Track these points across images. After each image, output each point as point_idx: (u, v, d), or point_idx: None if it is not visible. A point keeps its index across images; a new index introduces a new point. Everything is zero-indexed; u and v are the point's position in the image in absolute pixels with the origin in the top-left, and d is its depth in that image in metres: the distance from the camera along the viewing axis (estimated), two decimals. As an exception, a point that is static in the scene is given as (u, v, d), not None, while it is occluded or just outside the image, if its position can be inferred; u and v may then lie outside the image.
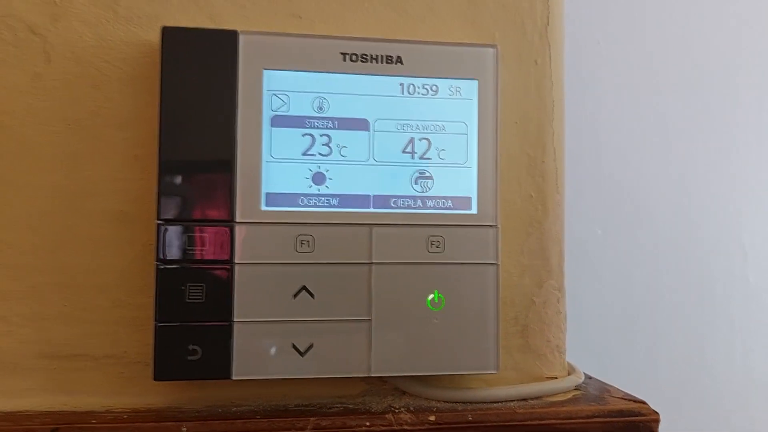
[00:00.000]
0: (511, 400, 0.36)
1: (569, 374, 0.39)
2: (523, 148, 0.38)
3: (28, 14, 0.34)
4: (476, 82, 0.35)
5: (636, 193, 0.78)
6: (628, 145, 0.78)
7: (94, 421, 0.32)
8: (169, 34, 0.33)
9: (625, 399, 0.37)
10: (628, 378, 0.76)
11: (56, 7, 0.34)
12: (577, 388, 0.39)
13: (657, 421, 0.36)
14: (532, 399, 0.37)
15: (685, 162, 0.79)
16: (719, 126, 0.80)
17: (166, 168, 0.32)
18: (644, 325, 0.78)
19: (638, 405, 0.36)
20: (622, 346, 0.77)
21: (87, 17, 0.35)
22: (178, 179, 0.32)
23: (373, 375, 0.34)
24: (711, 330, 0.80)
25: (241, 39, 0.33)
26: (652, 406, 0.36)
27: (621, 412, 0.36)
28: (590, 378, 0.42)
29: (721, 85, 0.80)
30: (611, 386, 0.40)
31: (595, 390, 0.39)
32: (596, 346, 0.76)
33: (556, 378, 0.38)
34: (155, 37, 0.34)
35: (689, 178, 0.80)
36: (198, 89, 0.33)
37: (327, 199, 0.34)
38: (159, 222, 0.32)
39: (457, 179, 0.35)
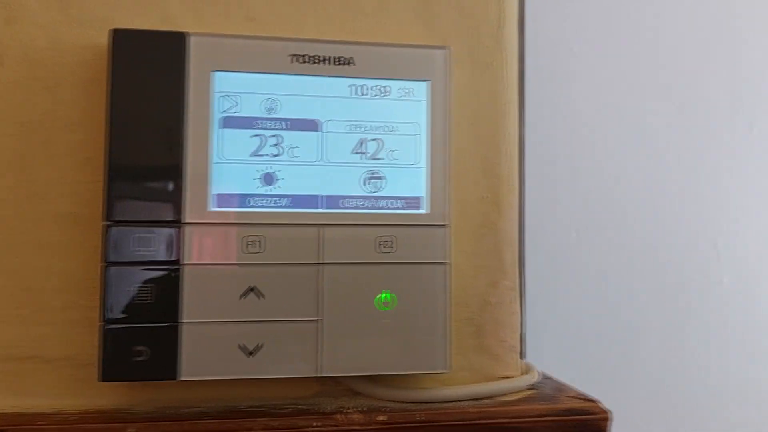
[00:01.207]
0: (464, 400, 0.36)
1: (525, 374, 0.39)
2: (477, 150, 0.38)
3: (-20, 17, 0.34)
4: (427, 83, 0.36)
5: (610, 197, 0.79)
6: (602, 149, 0.79)
7: (41, 423, 0.32)
8: (118, 35, 0.33)
9: (576, 398, 0.37)
10: (604, 380, 0.77)
11: (9, 11, 0.35)
12: (532, 388, 0.39)
13: (606, 419, 0.36)
14: (485, 398, 0.37)
15: (659, 165, 0.80)
16: (693, 129, 0.81)
17: (113, 169, 0.32)
18: (619, 327, 0.78)
19: (589, 404, 0.36)
20: (597, 348, 0.78)
21: (40, 20, 0.35)
22: (126, 181, 0.32)
23: (322, 375, 0.34)
24: (686, 332, 0.80)
25: (191, 41, 0.33)
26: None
27: (571, 411, 0.36)
28: (548, 378, 0.42)
29: (694, 88, 0.81)
30: (566, 386, 0.40)
31: (549, 389, 0.39)
32: (572, 349, 0.77)
33: (510, 378, 0.38)
34: (106, 38, 0.34)
35: (663, 181, 0.80)
36: (147, 91, 0.33)
37: (277, 200, 0.34)
38: (105, 223, 0.32)
39: (408, 179, 0.35)
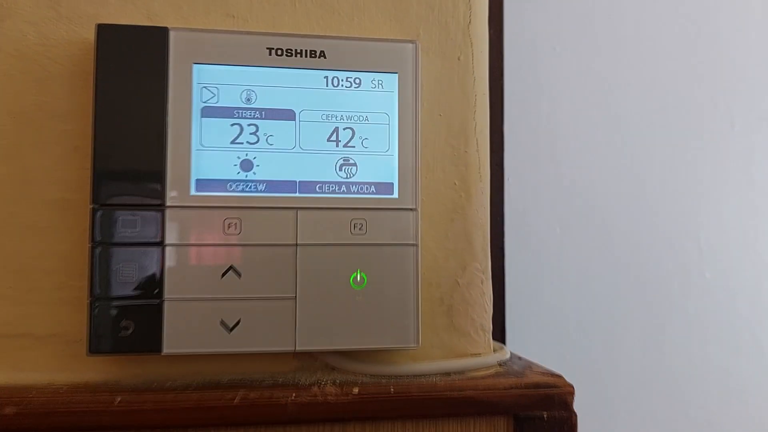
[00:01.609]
0: (434, 374, 0.38)
1: (495, 352, 0.41)
2: (447, 140, 0.40)
3: (-25, 14, 0.36)
4: (396, 75, 0.38)
5: (593, 192, 0.81)
6: (585, 146, 0.81)
7: (33, 394, 0.34)
8: (102, 30, 0.35)
9: (543, 374, 0.39)
10: (587, 372, 0.79)
11: (1, 9, 0.37)
12: (501, 365, 0.41)
13: (571, 393, 0.38)
14: (454, 373, 0.39)
15: (641, 161, 0.82)
16: (675, 127, 0.83)
17: (99, 156, 0.34)
18: (603, 319, 0.80)
19: (554, 379, 0.38)
20: (582, 339, 0.79)
21: (31, 17, 0.37)
22: (112, 166, 0.34)
23: (298, 350, 0.36)
24: (669, 324, 0.82)
25: (172, 35, 0.36)
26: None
27: (537, 385, 0.38)
28: (519, 358, 0.44)
29: (676, 87, 0.83)
30: (535, 364, 0.42)
31: (518, 366, 0.41)
32: (555, 341, 0.78)
33: (479, 355, 0.40)
34: (93, 34, 0.36)
35: (645, 177, 0.82)
36: (131, 82, 0.35)
37: (254, 185, 0.36)
38: (93, 206, 0.34)
39: (379, 166, 0.37)
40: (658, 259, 0.82)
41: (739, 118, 0.85)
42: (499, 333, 0.71)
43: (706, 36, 0.84)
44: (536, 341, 0.78)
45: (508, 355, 0.42)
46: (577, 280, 0.79)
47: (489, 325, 0.41)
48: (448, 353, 0.40)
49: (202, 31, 0.36)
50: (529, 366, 0.41)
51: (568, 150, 0.80)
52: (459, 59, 0.41)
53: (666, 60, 0.83)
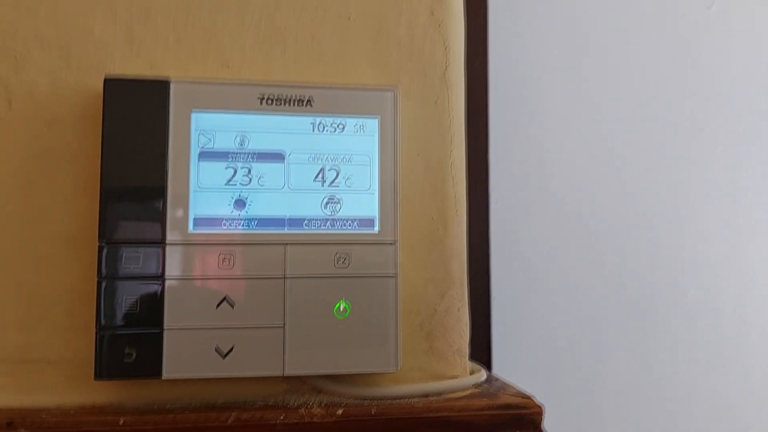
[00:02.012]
0: (413, 396, 0.41)
1: (472, 374, 0.44)
2: (426, 176, 0.44)
3: (-7, 67, 0.40)
4: (377, 119, 0.41)
5: (580, 214, 0.84)
6: (572, 169, 0.84)
7: (44, 416, 0.38)
8: (110, 82, 0.39)
9: (515, 395, 0.42)
10: (575, 390, 0.82)
11: (17, 61, 0.40)
12: (477, 387, 0.44)
13: (540, 413, 0.41)
14: (432, 395, 0.42)
15: (627, 183, 0.85)
16: (659, 149, 0.86)
17: (106, 196, 0.38)
18: (590, 338, 0.83)
19: (525, 400, 0.41)
20: (569, 358, 0.82)
21: (44, 68, 0.41)
22: (118, 206, 0.38)
23: (286, 374, 0.39)
24: (654, 342, 0.85)
25: (172, 86, 0.39)
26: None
27: (509, 406, 0.41)
28: (496, 379, 0.47)
29: (659, 111, 0.86)
30: (509, 385, 0.45)
31: (492, 388, 0.44)
32: (544, 359, 0.81)
33: (456, 377, 0.43)
34: (101, 84, 0.40)
35: (630, 199, 0.85)
36: (135, 129, 0.38)
37: (247, 222, 0.39)
38: (100, 243, 0.38)
39: (361, 203, 0.41)
40: (643, 278, 0.85)
41: (722, 140, 0.88)
42: (486, 353, 0.74)
43: (690, 61, 0.88)
44: (526, 360, 0.81)
45: (484, 377, 0.45)
46: (566, 300, 0.82)
47: (466, 350, 0.44)
48: (428, 376, 0.43)
49: (199, 82, 0.40)
50: (503, 388, 0.44)
51: (556, 173, 0.83)
52: (436, 103, 0.44)
53: (650, 84, 0.87)
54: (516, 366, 0.80)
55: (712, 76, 0.89)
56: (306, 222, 0.40)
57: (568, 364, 0.82)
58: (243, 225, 0.39)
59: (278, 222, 0.40)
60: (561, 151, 0.83)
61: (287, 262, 0.39)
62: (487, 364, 0.73)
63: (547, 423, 0.76)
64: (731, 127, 0.88)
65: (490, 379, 0.46)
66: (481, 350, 0.71)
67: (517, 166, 0.82)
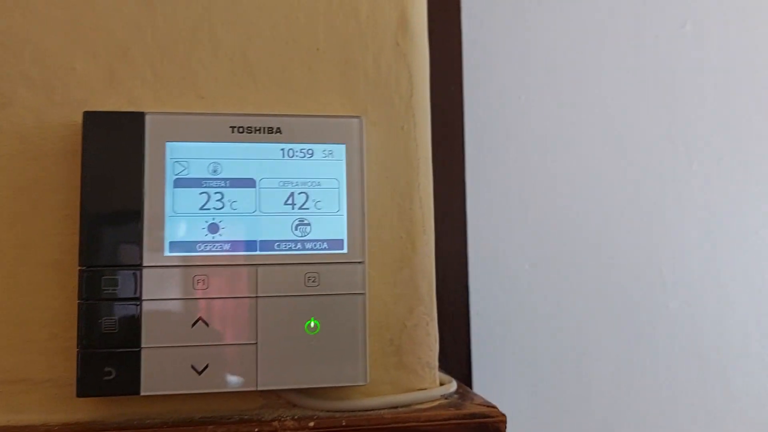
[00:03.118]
0: (383, 408, 0.43)
1: (441, 386, 0.46)
2: (394, 199, 0.46)
3: (-19, 103, 0.43)
4: (344, 146, 0.43)
5: (561, 230, 0.86)
6: (551, 187, 0.86)
7: (29, 433, 0.40)
8: (88, 117, 0.41)
9: (480, 405, 0.44)
10: (560, 403, 0.83)
11: (3, 98, 0.43)
12: (445, 398, 0.46)
13: (503, 422, 0.43)
14: (401, 407, 0.44)
15: (605, 200, 0.87)
16: (636, 167, 0.88)
17: (86, 223, 0.40)
18: (572, 352, 0.85)
19: (489, 409, 0.43)
20: (553, 373, 0.84)
21: (29, 105, 0.43)
22: (97, 232, 0.40)
23: (259, 389, 0.41)
24: (637, 356, 0.86)
25: (147, 118, 0.42)
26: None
27: (473, 415, 0.43)
28: (465, 391, 0.49)
29: (636, 130, 0.88)
30: (476, 395, 0.47)
31: (460, 399, 0.46)
32: (527, 374, 0.83)
33: (425, 389, 0.45)
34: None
35: (610, 215, 0.87)
36: (113, 160, 0.41)
37: (220, 245, 0.41)
38: (80, 268, 0.40)
39: (331, 225, 0.43)
40: (624, 292, 0.87)
41: (696, 158, 0.90)
42: (465, 368, 0.75)
43: (665, 80, 0.90)
44: (509, 375, 0.82)
45: (453, 389, 0.47)
46: (547, 315, 0.84)
47: (435, 362, 0.46)
48: (397, 389, 0.45)
49: (173, 114, 0.42)
50: (471, 398, 0.46)
51: (536, 191, 0.85)
52: (402, 129, 0.46)
53: (627, 105, 0.89)
54: (499, 381, 0.81)
55: (687, 94, 0.91)
56: (277, 244, 0.42)
57: (551, 378, 0.83)
58: (217, 248, 0.41)
59: (250, 245, 0.42)
60: (540, 171, 0.85)
61: (259, 282, 0.42)
62: (467, 379, 0.75)
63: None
64: (706, 144, 0.90)
65: (460, 391, 0.48)
66: (461, 365, 0.73)
67: (497, 186, 0.84)
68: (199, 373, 0.40)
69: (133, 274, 0.40)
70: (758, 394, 0.88)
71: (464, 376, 0.73)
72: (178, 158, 0.42)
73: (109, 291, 0.40)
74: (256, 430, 0.41)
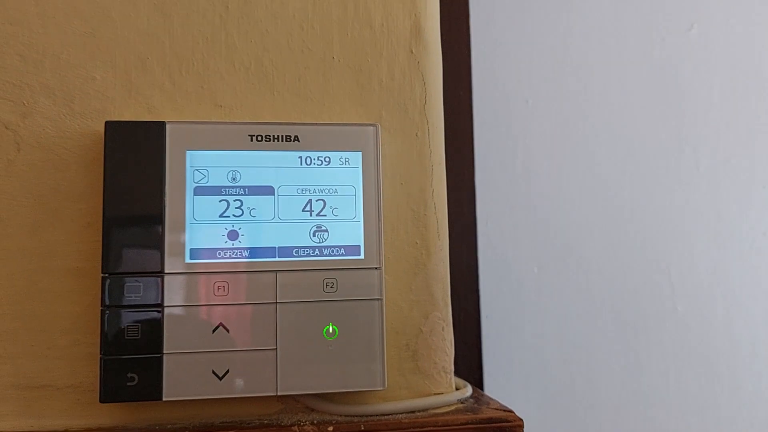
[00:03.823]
0: (400, 413, 0.44)
1: (457, 390, 0.47)
2: (409, 205, 0.47)
3: (3, 113, 0.43)
4: (360, 153, 0.44)
5: (569, 234, 0.86)
6: (559, 190, 0.87)
7: (53, 438, 0.40)
8: (110, 126, 0.42)
9: (497, 409, 0.45)
10: (568, 405, 0.84)
11: (25, 108, 0.44)
12: (462, 402, 0.46)
13: (521, 426, 0.43)
14: (419, 411, 0.44)
15: (614, 203, 0.88)
16: (644, 169, 0.89)
17: (108, 232, 0.41)
18: (581, 355, 0.85)
19: (506, 413, 0.44)
20: (561, 375, 0.84)
21: (49, 114, 0.44)
22: (119, 240, 0.41)
23: (279, 394, 0.41)
24: (645, 357, 0.87)
25: (168, 128, 0.42)
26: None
27: (491, 420, 0.43)
28: (481, 395, 0.49)
29: (643, 132, 0.89)
30: (493, 400, 0.47)
31: (476, 403, 0.46)
32: (537, 377, 0.83)
33: (441, 394, 0.46)
34: (102, 127, 0.43)
35: (618, 219, 0.88)
36: (134, 168, 0.41)
37: (240, 252, 0.42)
38: (103, 275, 0.41)
39: (347, 231, 0.43)
40: (632, 295, 0.87)
41: (703, 160, 0.90)
42: (477, 371, 0.76)
43: (672, 82, 0.91)
44: (519, 377, 0.83)
45: (469, 393, 0.47)
46: (556, 318, 0.85)
47: (450, 367, 0.47)
48: (414, 393, 0.46)
49: (193, 123, 0.43)
50: (487, 403, 0.47)
51: (544, 194, 0.86)
52: (417, 135, 0.47)
53: (634, 108, 0.90)
54: (509, 384, 0.82)
55: (694, 96, 0.92)
56: (295, 250, 0.43)
57: (560, 380, 0.84)
58: (236, 255, 0.42)
59: (269, 251, 0.42)
60: (548, 174, 0.86)
61: (278, 288, 0.42)
62: (479, 382, 0.75)
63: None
64: (713, 146, 0.91)
65: (475, 395, 0.49)
66: (472, 369, 0.73)
67: (505, 190, 0.84)
68: (220, 378, 0.41)
69: (155, 280, 0.41)
70: (767, 395, 0.89)
71: (476, 380, 0.73)
72: (198, 166, 0.42)
73: (132, 298, 0.41)
74: (276, 434, 0.41)
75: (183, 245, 0.41)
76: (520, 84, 0.86)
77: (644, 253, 0.88)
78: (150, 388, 0.40)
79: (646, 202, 0.89)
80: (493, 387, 0.80)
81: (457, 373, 0.51)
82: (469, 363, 0.73)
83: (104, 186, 0.41)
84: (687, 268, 0.88)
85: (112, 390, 0.40)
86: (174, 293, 0.41)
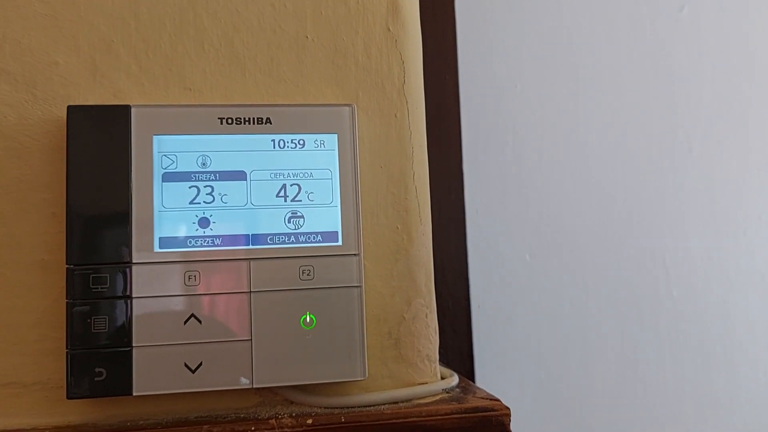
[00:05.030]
0: (383, 404, 0.42)
1: (442, 379, 0.45)
2: (389, 188, 0.45)
3: (-39, 101, 0.41)
4: (336, 135, 0.42)
5: (561, 221, 0.85)
6: (550, 176, 0.85)
7: (19, 438, 0.38)
8: (72, 111, 0.40)
9: (483, 398, 0.43)
10: (564, 393, 0.82)
11: (-16, 94, 0.42)
12: (447, 392, 0.45)
13: (507, 415, 0.42)
14: (402, 402, 0.43)
15: (606, 188, 0.86)
16: (636, 154, 0.87)
17: (72, 222, 0.39)
18: (575, 343, 0.83)
19: (492, 402, 0.42)
20: (556, 363, 0.83)
21: (10, 101, 0.42)
22: (84, 229, 0.39)
23: (255, 386, 0.40)
24: (641, 344, 0.85)
25: (133, 111, 0.40)
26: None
27: (476, 409, 0.42)
28: (467, 384, 0.48)
29: (635, 117, 0.87)
30: (479, 389, 0.46)
31: (462, 392, 0.45)
32: (530, 366, 0.82)
33: (426, 383, 0.44)
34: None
35: (611, 204, 0.86)
36: (98, 155, 0.40)
37: (211, 240, 0.40)
38: (68, 266, 0.39)
39: (324, 217, 0.42)
40: (626, 281, 0.86)
41: (696, 144, 0.89)
42: (468, 362, 0.74)
43: (663, 65, 0.89)
44: (511, 367, 0.81)
45: (455, 382, 0.46)
46: (549, 306, 0.83)
47: (435, 355, 0.45)
48: (397, 383, 0.44)
49: (160, 106, 0.41)
50: (474, 392, 0.45)
51: (535, 181, 0.84)
52: (396, 116, 0.45)
53: (625, 91, 0.88)
54: (501, 374, 0.80)
55: (685, 79, 0.90)
56: (270, 237, 0.41)
57: (554, 369, 0.82)
58: (208, 243, 0.40)
59: (242, 239, 0.41)
60: (539, 160, 0.84)
61: (252, 277, 0.40)
62: (470, 373, 0.73)
63: (534, 429, 0.77)
64: (705, 129, 0.89)
65: (462, 385, 0.47)
66: (463, 358, 0.72)
67: (495, 177, 0.83)
68: (193, 371, 0.39)
69: (123, 271, 0.39)
70: (764, 381, 0.87)
71: (466, 370, 0.72)
72: (166, 152, 0.41)
73: (98, 289, 0.39)
74: (253, 428, 0.39)
75: (152, 234, 0.40)
76: (509, 68, 0.84)
77: (638, 238, 0.86)
78: (119, 383, 0.39)
79: (639, 186, 0.87)
80: (485, 377, 0.78)
81: (447, 363, 0.50)
82: (460, 352, 0.72)
83: (67, 174, 0.39)
84: (681, 254, 0.87)
85: (79, 385, 0.38)
86: (143, 284, 0.39)
